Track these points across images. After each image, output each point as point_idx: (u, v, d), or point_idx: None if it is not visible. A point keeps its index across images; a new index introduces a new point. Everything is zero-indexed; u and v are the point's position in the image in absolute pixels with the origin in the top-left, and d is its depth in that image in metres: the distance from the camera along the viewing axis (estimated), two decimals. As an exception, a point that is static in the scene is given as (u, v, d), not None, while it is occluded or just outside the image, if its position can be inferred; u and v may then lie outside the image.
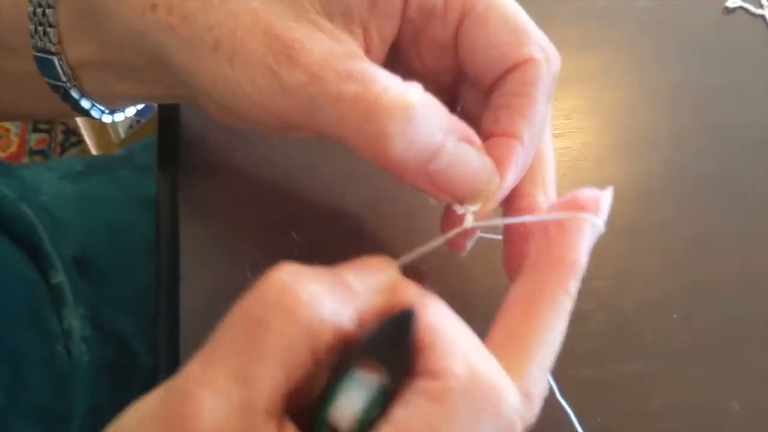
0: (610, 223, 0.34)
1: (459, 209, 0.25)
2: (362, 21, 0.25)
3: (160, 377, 0.29)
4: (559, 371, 0.31)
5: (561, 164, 0.35)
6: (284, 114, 0.24)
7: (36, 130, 1.32)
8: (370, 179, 0.34)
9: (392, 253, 0.27)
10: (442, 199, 0.24)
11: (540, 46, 0.25)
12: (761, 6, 0.40)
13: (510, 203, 0.27)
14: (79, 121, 1.18)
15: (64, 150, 1.31)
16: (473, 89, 0.27)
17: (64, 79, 0.28)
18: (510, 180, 0.25)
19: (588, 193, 0.24)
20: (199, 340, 0.29)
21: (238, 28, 0.23)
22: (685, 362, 0.31)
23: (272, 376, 0.18)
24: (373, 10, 0.25)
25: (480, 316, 0.23)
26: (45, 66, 0.28)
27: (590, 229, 0.23)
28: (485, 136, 0.25)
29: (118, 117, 0.32)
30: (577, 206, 0.23)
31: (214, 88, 0.24)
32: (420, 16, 0.26)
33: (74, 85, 0.28)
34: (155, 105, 0.37)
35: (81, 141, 1.23)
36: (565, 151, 0.36)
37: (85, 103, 0.29)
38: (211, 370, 0.18)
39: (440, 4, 0.26)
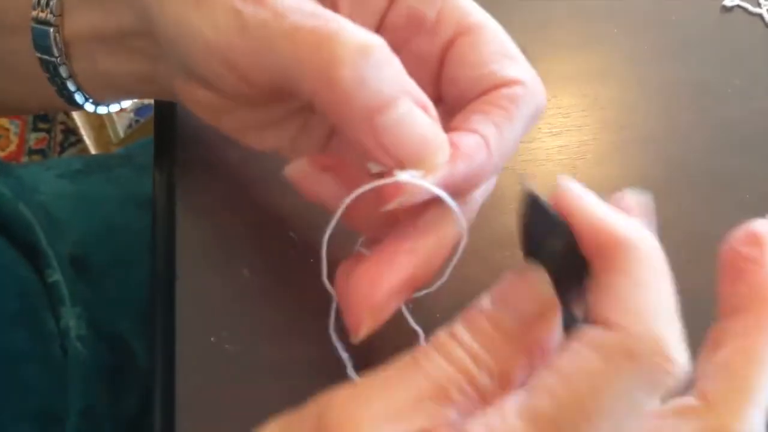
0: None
1: (400, 174, 0.22)
2: (342, 7, 0.25)
3: (155, 376, 0.29)
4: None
5: (558, 162, 0.35)
6: (237, 57, 0.23)
7: (35, 129, 1.32)
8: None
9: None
10: (381, 160, 0.23)
11: (529, 75, 0.25)
12: (759, 5, 0.40)
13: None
14: (78, 120, 1.18)
15: (63, 149, 1.31)
16: (445, 109, 0.26)
17: (56, 53, 0.28)
18: (461, 169, 0.23)
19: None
20: (195, 339, 0.29)
21: None
22: (684, 361, 0.31)
23: None
24: (354, 2, 0.25)
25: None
26: (40, 37, 0.28)
27: None
28: (450, 130, 0.24)
29: (101, 109, 0.32)
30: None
31: (178, 39, 0.24)
32: (406, 25, 0.26)
33: (63, 63, 0.29)
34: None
35: (80, 140, 1.23)
36: (563, 149, 0.36)
37: (71, 86, 0.30)
38: None
39: (431, 18, 0.26)
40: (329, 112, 0.23)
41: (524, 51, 0.39)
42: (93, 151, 1.18)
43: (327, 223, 0.32)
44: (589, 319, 0.19)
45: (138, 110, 1.15)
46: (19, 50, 0.29)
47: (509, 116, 0.24)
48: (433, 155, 0.22)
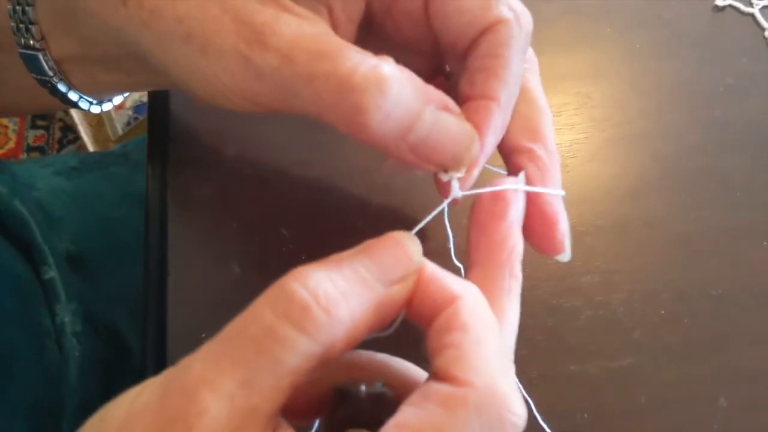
0: (599, 219, 0.34)
1: (444, 176, 0.25)
2: (327, 0, 0.25)
3: (148, 371, 0.29)
4: (546, 367, 0.31)
5: (550, 161, 0.35)
6: (262, 98, 0.24)
7: (34, 126, 1.32)
8: (359, 174, 0.34)
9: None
10: (426, 169, 0.24)
11: (509, 7, 0.25)
12: (750, 4, 0.40)
13: (510, 158, 0.27)
14: (77, 118, 1.18)
15: (61, 146, 1.31)
16: (452, 55, 0.28)
17: (50, 73, 0.28)
18: (490, 143, 0.25)
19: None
20: (187, 334, 0.30)
21: (207, 19, 0.23)
22: (673, 358, 0.31)
23: (278, 384, 0.18)
24: None
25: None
26: (31, 62, 0.28)
27: (517, 205, 0.24)
28: (463, 100, 0.26)
29: (107, 106, 0.32)
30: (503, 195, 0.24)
31: (190, 79, 0.24)
32: None
33: (61, 79, 0.29)
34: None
35: (78, 138, 1.23)
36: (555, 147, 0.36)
37: (73, 96, 0.30)
38: (217, 371, 0.18)
39: None
40: (364, 143, 0.23)
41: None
42: (91, 148, 1.19)
43: (318, 218, 0.32)
44: (433, 377, 0.19)
45: (136, 108, 1.15)
46: (13, 65, 0.29)
47: (505, 61, 0.25)
48: (468, 150, 0.24)
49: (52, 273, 0.40)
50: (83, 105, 0.30)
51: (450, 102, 0.24)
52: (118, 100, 0.33)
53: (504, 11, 0.25)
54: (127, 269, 0.43)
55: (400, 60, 0.23)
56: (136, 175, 0.50)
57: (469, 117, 0.25)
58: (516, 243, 0.24)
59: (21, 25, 0.27)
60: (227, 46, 0.23)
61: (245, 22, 0.23)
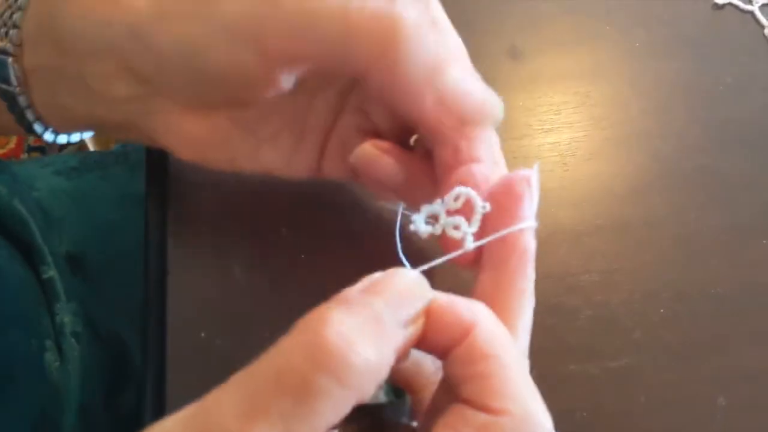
0: (599, 218, 0.34)
1: (456, 234, 0.24)
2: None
3: (147, 375, 0.29)
4: (546, 366, 0.31)
5: (549, 160, 0.35)
6: (270, 39, 0.23)
7: (34, 127, 1.32)
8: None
9: (385, 248, 0.27)
10: (439, 120, 0.24)
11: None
12: (750, 2, 0.40)
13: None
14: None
15: (62, 147, 1.31)
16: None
17: (14, 82, 0.28)
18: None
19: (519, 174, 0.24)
20: (186, 335, 0.30)
21: None
22: (673, 358, 0.31)
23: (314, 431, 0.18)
24: None
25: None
26: None
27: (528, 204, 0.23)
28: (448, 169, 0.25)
29: (61, 139, 0.31)
30: (512, 189, 0.23)
31: (187, 37, 0.24)
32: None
33: (23, 92, 0.28)
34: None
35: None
36: (554, 146, 0.36)
37: (30, 115, 0.29)
38: (253, 422, 0.17)
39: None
40: (387, 82, 0.23)
41: (516, 47, 0.39)
42: (92, 148, 1.18)
43: (319, 219, 0.32)
44: (464, 402, 0.19)
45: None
46: None
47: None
48: (494, 108, 0.24)
49: (51, 272, 0.40)
50: (38, 128, 0.29)
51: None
52: (75, 137, 0.32)
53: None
54: (127, 270, 0.43)
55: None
56: (136, 175, 0.50)
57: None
58: (528, 243, 0.23)
59: (3, 29, 0.27)
60: None
61: None
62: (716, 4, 0.40)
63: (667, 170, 0.36)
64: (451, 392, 0.21)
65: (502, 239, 0.23)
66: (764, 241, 0.34)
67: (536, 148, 0.36)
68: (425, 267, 0.22)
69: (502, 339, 0.20)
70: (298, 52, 0.24)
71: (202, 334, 0.29)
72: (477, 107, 0.24)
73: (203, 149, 0.28)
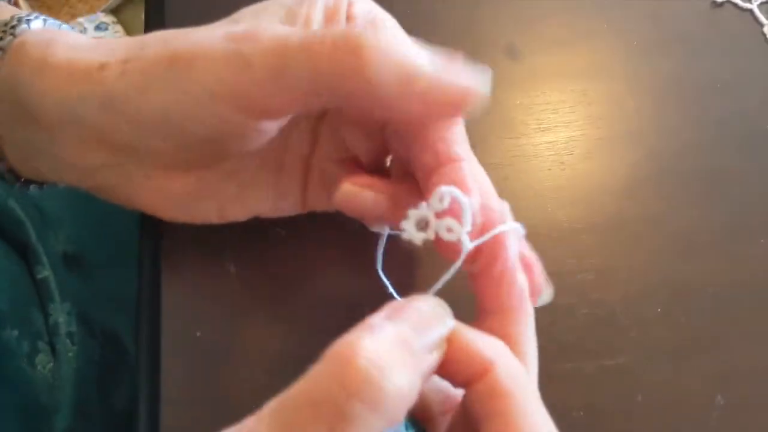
0: (595, 216, 0.34)
1: (450, 236, 0.24)
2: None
3: (141, 372, 0.29)
4: (541, 365, 0.31)
5: (546, 159, 0.35)
6: (262, 99, 0.24)
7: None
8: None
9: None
10: (434, 112, 0.24)
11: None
12: (749, 0, 0.40)
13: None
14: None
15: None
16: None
17: None
18: (477, 199, 0.24)
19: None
20: (181, 333, 0.30)
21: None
22: (669, 356, 0.31)
23: None
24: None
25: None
26: None
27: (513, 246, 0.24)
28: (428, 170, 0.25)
29: (33, 187, 0.31)
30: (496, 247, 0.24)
31: (166, 110, 0.24)
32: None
33: None
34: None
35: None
36: (551, 145, 0.36)
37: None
38: None
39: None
40: (363, 100, 0.24)
41: (513, 46, 0.39)
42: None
43: (313, 218, 0.32)
44: None
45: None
46: None
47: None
48: (479, 90, 0.24)
49: (45, 272, 0.40)
50: (8, 178, 0.29)
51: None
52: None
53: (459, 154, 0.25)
54: (124, 269, 0.43)
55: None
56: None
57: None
58: (523, 283, 0.24)
59: None
60: (216, 50, 0.23)
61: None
62: (714, 2, 0.40)
63: (664, 168, 0.36)
64: (469, 426, 0.21)
65: (497, 287, 0.24)
66: (761, 240, 0.34)
67: (533, 147, 0.36)
68: (438, 286, 0.23)
69: (522, 378, 0.21)
70: (280, 104, 0.24)
71: (197, 334, 0.29)
72: (461, 96, 0.24)
73: (189, 204, 0.28)
